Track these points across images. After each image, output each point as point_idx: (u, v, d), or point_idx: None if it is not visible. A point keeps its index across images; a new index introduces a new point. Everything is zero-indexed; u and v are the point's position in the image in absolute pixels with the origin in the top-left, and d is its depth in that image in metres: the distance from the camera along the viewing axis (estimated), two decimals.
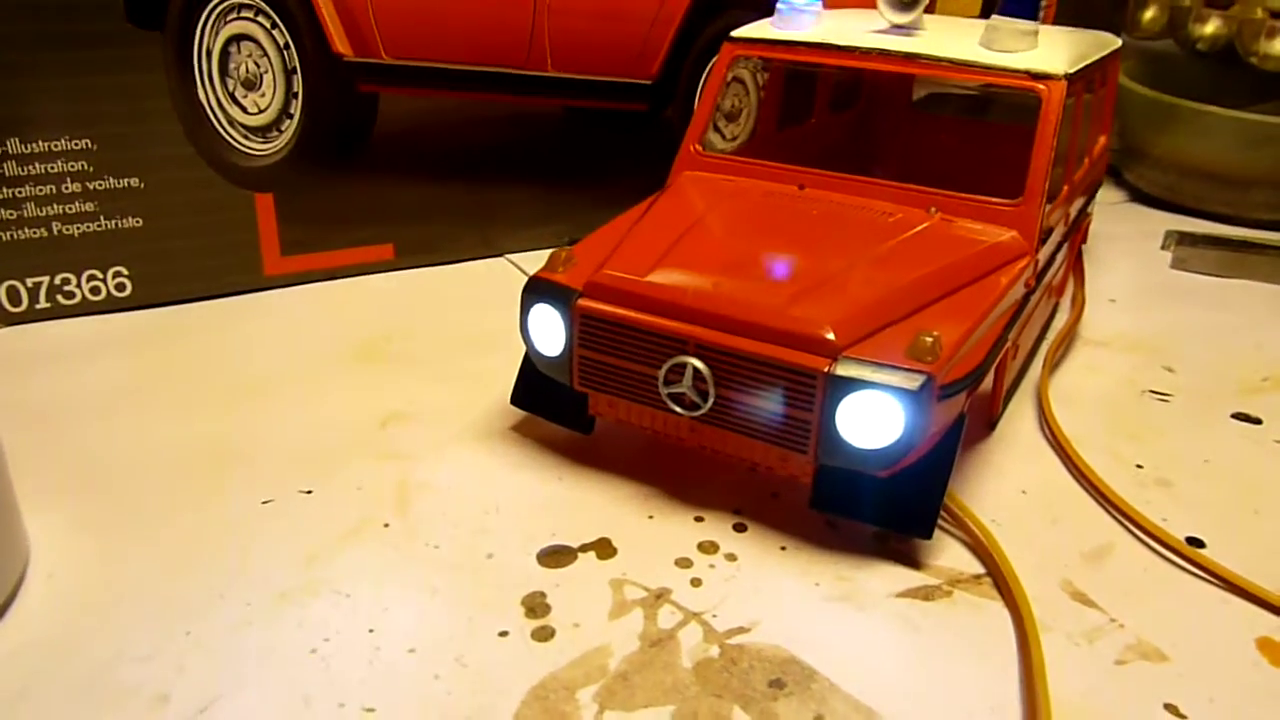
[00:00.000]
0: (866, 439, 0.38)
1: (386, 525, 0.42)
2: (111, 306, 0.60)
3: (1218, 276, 0.77)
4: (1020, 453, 0.49)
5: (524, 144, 0.70)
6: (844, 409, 0.38)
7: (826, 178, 0.52)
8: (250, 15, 0.58)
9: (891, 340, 0.38)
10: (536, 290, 0.44)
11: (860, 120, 0.74)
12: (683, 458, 0.46)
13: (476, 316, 0.62)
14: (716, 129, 0.76)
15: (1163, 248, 0.82)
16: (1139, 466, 0.49)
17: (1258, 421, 0.54)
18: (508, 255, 0.72)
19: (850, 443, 0.38)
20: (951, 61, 0.50)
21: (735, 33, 0.56)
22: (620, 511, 0.43)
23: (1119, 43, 0.70)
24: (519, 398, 0.48)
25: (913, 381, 0.37)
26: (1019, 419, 0.52)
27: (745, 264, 0.43)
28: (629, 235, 0.47)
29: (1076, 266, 0.73)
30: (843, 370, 0.37)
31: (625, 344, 0.42)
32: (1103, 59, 0.62)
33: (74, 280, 0.59)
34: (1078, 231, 0.67)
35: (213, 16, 0.57)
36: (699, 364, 0.40)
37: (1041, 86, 0.48)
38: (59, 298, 0.59)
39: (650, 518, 0.43)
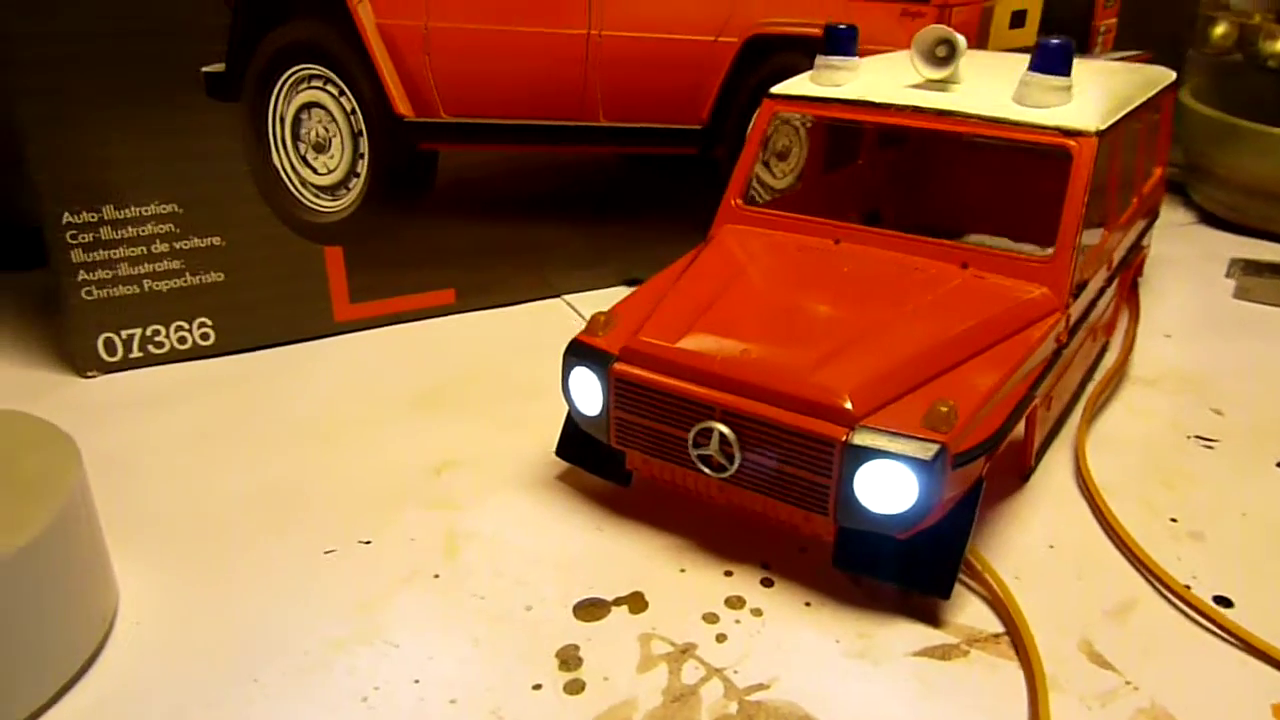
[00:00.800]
0: (883, 504, 0.39)
1: (436, 576, 0.45)
2: (197, 354, 0.65)
3: None
4: (1052, 504, 0.50)
5: (576, 187, 0.73)
6: (861, 476, 0.39)
7: (862, 232, 0.53)
8: (320, 85, 0.62)
9: (909, 408, 0.40)
10: (576, 353, 0.47)
11: (910, 155, 0.75)
12: (715, 510, 0.48)
13: (529, 360, 0.65)
14: (767, 167, 0.77)
15: (1227, 275, 0.81)
16: (1173, 520, 0.49)
17: None
18: (564, 296, 0.75)
19: (867, 508, 0.40)
20: (982, 118, 0.51)
21: (775, 89, 0.58)
22: (654, 564, 0.45)
23: (1172, 76, 0.69)
24: (563, 450, 0.51)
25: (927, 451, 0.38)
26: (1055, 468, 0.53)
27: (774, 327, 0.45)
28: (666, 297, 0.49)
29: (1131, 300, 0.73)
30: (859, 439, 0.39)
31: (657, 407, 0.44)
32: (1152, 98, 0.62)
33: (163, 331, 0.64)
34: (1129, 268, 0.67)
35: (285, 87, 0.61)
36: (725, 429, 0.42)
37: (1072, 143, 0.49)
38: (150, 348, 0.64)
39: (682, 571, 0.45)
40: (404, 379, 0.63)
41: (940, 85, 0.54)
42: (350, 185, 0.65)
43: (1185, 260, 0.84)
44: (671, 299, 0.49)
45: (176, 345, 0.64)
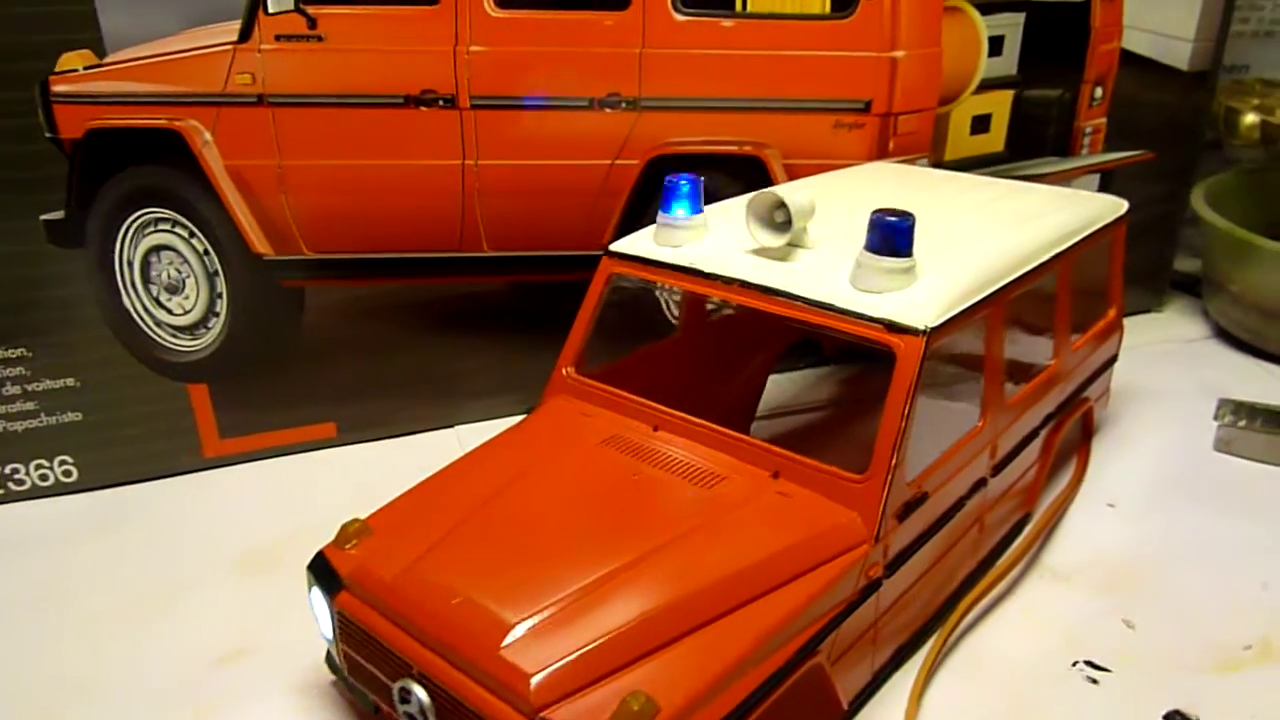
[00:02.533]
0: None
1: None
2: (61, 490, 0.64)
3: (1268, 464, 0.65)
4: None
5: (473, 310, 0.69)
6: None
7: (680, 421, 0.48)
8: (168, 227, 0.60)
9: (603, 701, 0.34)
10: (315, 570, 0.43)
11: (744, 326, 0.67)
12: None
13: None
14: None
15: (1215, 418, 0.70)
16: None
17: None
18: (461, 426, 0.72)
19: None
20: (807, 302, 0.45)
21: (614, 246, 0.52)
22: None
23: (1122, 207, 0.60)
24: (332, 659, 0.47)
25: None
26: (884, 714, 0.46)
27: (507, 566, 0.40)
28: (426, 506, 0.45)
29: (1081, 455, 0.64)
30: None
31: (371, 651, 0.39)
32: (1076, 245, 0.54)
33: (23, 469, 0.63)
34: (1058, 431, 0.58)
35: (130, 231, 0.60)
36: (422, 694, 0.37)
37: (896, 342, 0.42)
38: (10, 485, 0.63)
39: None
40: (251, 528, 0.60)
41: (781, 254, 0.48)
42: (210, 324, 0.63)
43: (1174, 393, 0.74)
44: (428, 510, 0.44)
45: (39, 483, 0.63)
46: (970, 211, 0.56)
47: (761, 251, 0.48)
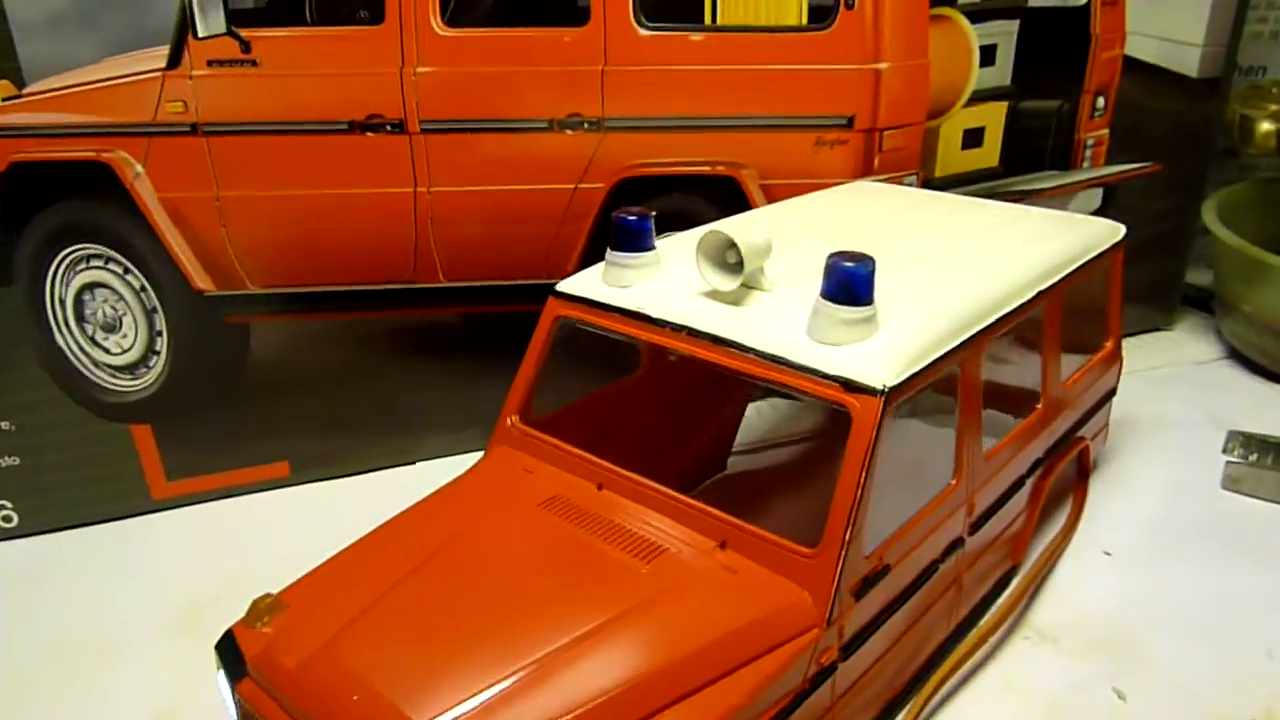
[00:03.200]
0: None
1: None
2: (2, 535, 0.61)
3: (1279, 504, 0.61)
4: None
5: (432, 341, 0.66)
6: None
7: (626, 481, 0.44)
8: (100, 264, 0.57)
9: None
10: (221, 653, 0.39)
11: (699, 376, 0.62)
12: None
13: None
14: None
15: (1224, 451, 0.66)
16: None
17: None
18: (426, 460, 0.68)
19: None
20: (759, 355, 0.41)
21: (560, 286, 0.49)
22: None
23: (1118, 233, 0.56)
24: None
25: None
26: None
27: (423, 654, 0.36)
28: (346, 575, 0.41)
29: (1076, 495, 0.60)
30: None
31: None
32: (1063, 280, 0.50)
33: None
34: (1048, 476, 0.54)
35: (61, 268, 0.57)
36: None
37: (852, 401, 0.38)
38: None
39: None
40: (194, 576, 0.57)
41: (734, 298, 0.44)
42: (151, 363, 0.60)
43: (1181, 423, 0.69)
44: (347, 583, 0.41)
45: None
46: (949, 242, 0.51)
47: (714, 294, 0.45)
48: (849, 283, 0.39)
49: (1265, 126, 0.81)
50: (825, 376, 0.39)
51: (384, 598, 0.39)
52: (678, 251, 0.49)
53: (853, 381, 0.38)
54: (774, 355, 0.40)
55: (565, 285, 0.49)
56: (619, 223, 0.47)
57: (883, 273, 0.40)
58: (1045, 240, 0.52)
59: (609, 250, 0.47)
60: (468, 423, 0.67)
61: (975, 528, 0.47)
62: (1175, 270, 0.82)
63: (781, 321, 0.42)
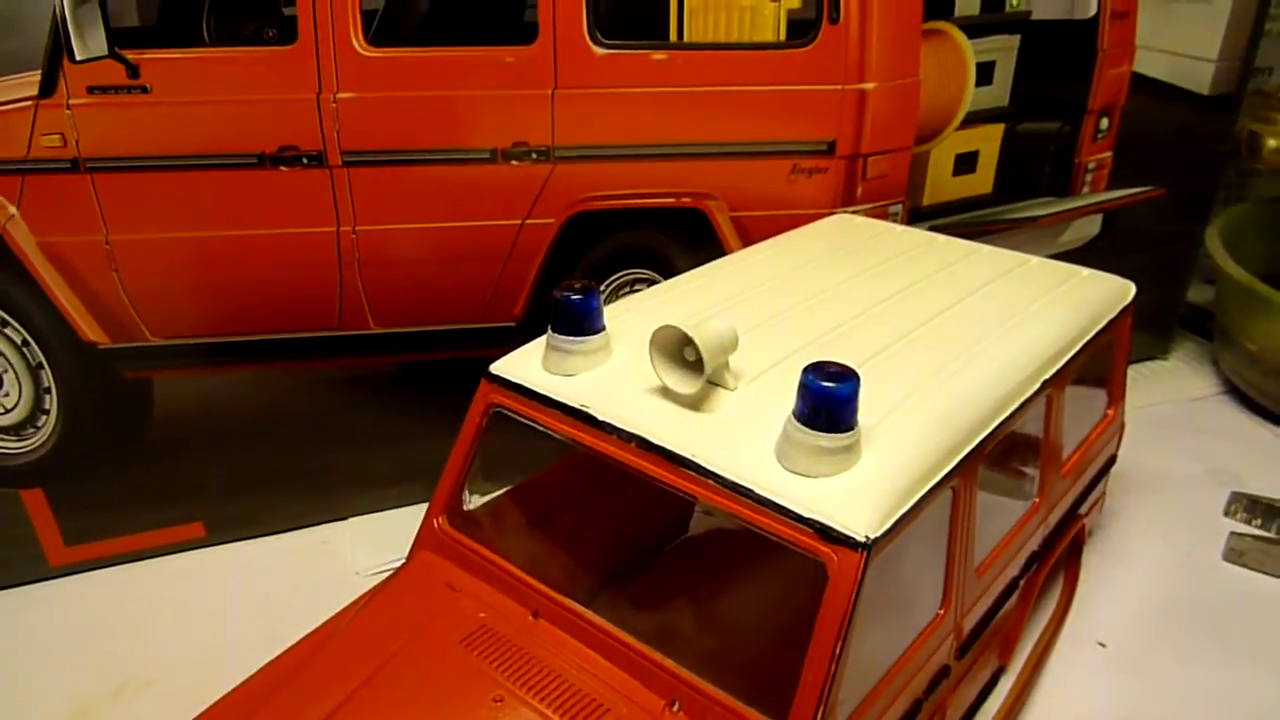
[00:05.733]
0: None
1: None
2: None
3: None
4: None
5: (360, 389, 0.59)
6: None
7: (563, 611, 0.38)
8: None
9: None
10: None
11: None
12: None
13: (269, 623, 0.51)
14: None
15: (1226, 514, 0.61)
16: None
17: None
18: (353, 519, 0.62)
19: None
20: (720, 482, 0.35)
21: (494, 368, 0.42)
22: None
23: (1128, 294, 0.50)
24: None
25: None
26: None
27: None
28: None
29: (1068, 577, 0.54)
30: None
31: None
32: (1079, 352, 0.45)
33: None
34: (1042, 572, 0.49)
35: None
36: None
37: (829, 553, 0.32)
38: None
39: None
40: (88, 662, 0.51)
41: (694, 400, 0.38)
42: (39, 423, 0.53)
43: (1178, 479, 0.64)
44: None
45: None
46: (941, 312, 0.45)
47: (671, 394, 0.38)
48: (828, 406, 0.33)
49: (1273, 143, 0.75)
50: (798, 519, 0.33)
51: None
52: (630, 326, 0.42)
53: (830, 529, 0.32)
54: (738, 485, 0.34)
55: (499, 367, 0.42)
56: (561, 301, 0.40)
57: (862, 365, 0.34)
58: (1051, 308, 0.46)
59: (550, 331, 0.41)
60: (402, 477, 0.61)
61: (963, 650, 0.42)
62: (1175, 297, 0.76)
63: (747, 437, 0.36)
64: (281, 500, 0.59)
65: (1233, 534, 0.57)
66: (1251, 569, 0.57)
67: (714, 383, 0.39)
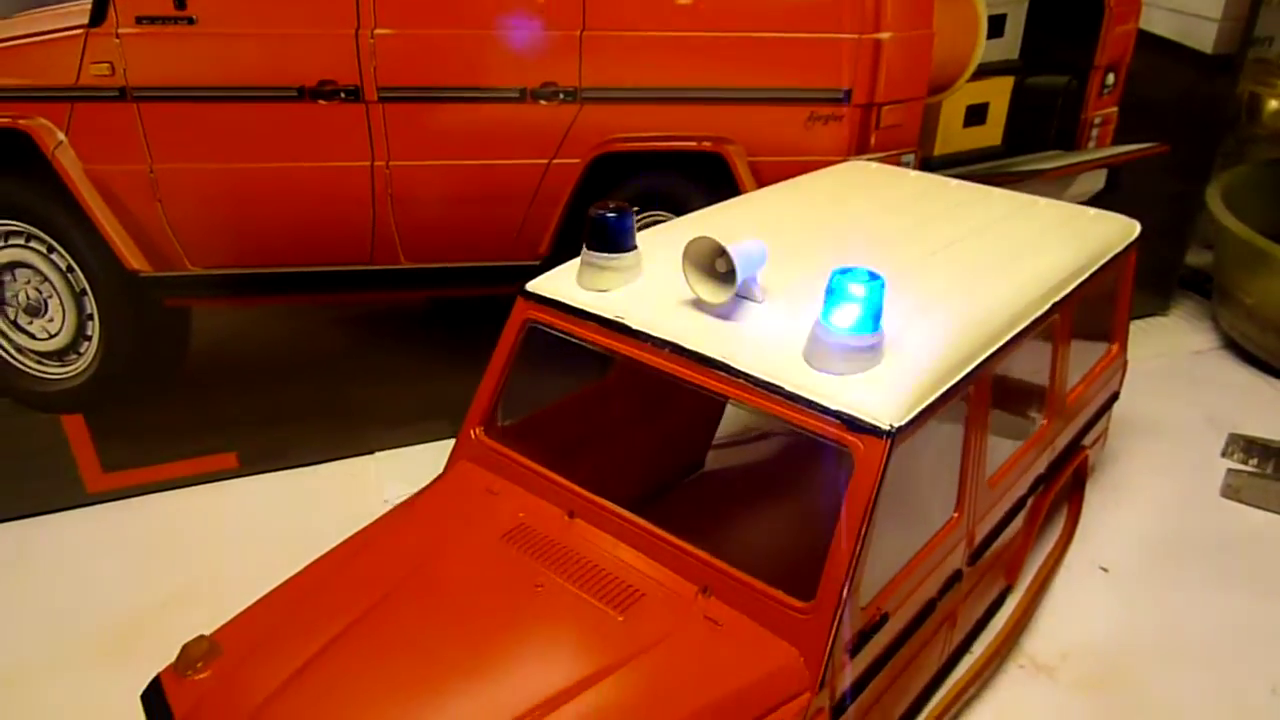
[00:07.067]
0: None
1: None
2: None
3: None
4: None
5: (389, 325, 0.61)
6: None
7: (599, 510, 0.40)
8: (21, 242, 0.52)
9: None
10: (148, 707, 0.35)
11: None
12: None
13: (305, 547, 0.53)
14: None
15: (1224, 454, 0.63)
16: None
17: None
18: (379, 453, 0.64)
19: None
20: (751, 381, 0.37)
21: (530, 286, 0.44)
22: None
23: (1133, 231, 0.52)
24: None
25: None
26: None
27: (374, 715, 0.33)
28: (290, 614, 0.37)
29: (1072, 507, 0.57)
30: None
31: None
32: (1085, 281, 0.46)
33: None
34: (1048, 494, 0.51)
35: None
36: None
37: (855, 441, 0.34)
38: None
39: None
40: (127, 586, 0.53)
41: (724, 310, 0.40)
42: (81, 349, 0.55)
43: (1178, 423, 0.66)
44: (291, 625, 0.37)
45: None
46: (956, 241, 0.47)
47: (701, 305, 0.40)
48: (856, 307, 0.35)
49: (1273, 104, 0.77)
50: (826, 411, 0.35)
51: (332, 646, 0.35)
52: (660, 249, 0.44)
53: (857, 419, 0.34)
54: (769, 383, 0.36)
55: (536, 285, 0.44)
56: (596, 219, 0.42)
57: (886, 282, 0.36)
58: (1060, 241, 0.48)
59: (584, 248, 0.43)
60: (429, 414, 0.63)
61: (975, 558, 0.44)
62: (1176, 256, 0.78)
63: (776, 342, 0.38)
64: (312, 433, 0.61)
65: (1230, 470, 0.60)
66: (1247, 504, 0.59)
67: (743, 296, 0.41)
